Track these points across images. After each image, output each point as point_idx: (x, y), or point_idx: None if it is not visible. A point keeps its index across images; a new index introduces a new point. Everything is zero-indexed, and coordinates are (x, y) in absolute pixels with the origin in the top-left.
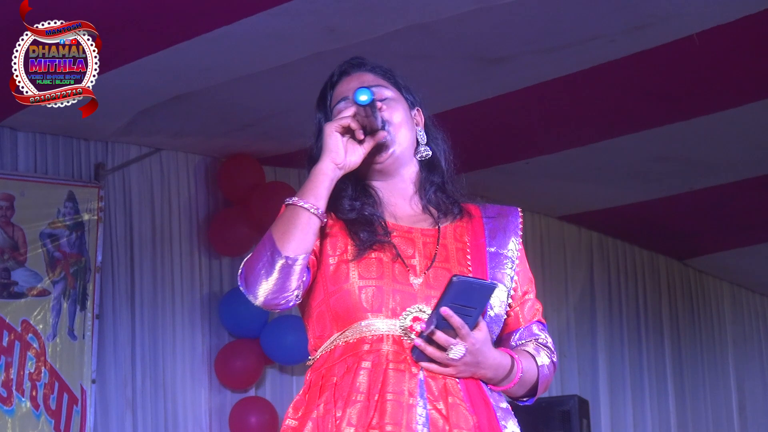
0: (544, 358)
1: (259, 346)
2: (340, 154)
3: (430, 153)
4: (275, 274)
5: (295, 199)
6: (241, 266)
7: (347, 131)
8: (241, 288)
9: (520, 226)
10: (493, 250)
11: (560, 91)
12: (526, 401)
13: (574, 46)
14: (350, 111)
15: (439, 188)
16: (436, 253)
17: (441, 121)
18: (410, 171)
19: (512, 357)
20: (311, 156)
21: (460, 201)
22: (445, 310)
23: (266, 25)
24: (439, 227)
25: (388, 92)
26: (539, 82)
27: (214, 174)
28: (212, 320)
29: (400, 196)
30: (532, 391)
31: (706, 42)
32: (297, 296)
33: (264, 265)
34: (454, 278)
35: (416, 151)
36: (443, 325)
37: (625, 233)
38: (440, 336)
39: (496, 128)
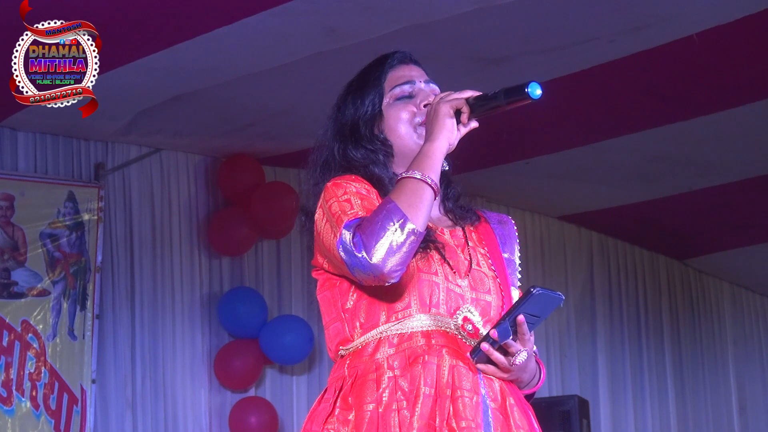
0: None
1: (258, 347)
2: (454, 134)
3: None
4: (407, 243)
5: (418, 174)
6: (355, 234)
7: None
8: (359, 255)
9: (517, 233)
10: (506, 256)
11: (560, 91)
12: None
13: (574, 46)
14: (465, 94)
15: (453, 192)
16: (471, 256)
17: None
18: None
19: (536, 360)
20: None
21: (467, 206)
22: (521, 319)
23: (266, 25)
24: (464, 230)
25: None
26: (539, 82)
27: (214, 174)
28: (212, 320)
29: None
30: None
31: (706, 42)
32: (402, 272)
33: (393, 234)
34: (534, 290)
35: None
36: None
37: (625, 233)
38: (512, 343)
39: (496, 128)
